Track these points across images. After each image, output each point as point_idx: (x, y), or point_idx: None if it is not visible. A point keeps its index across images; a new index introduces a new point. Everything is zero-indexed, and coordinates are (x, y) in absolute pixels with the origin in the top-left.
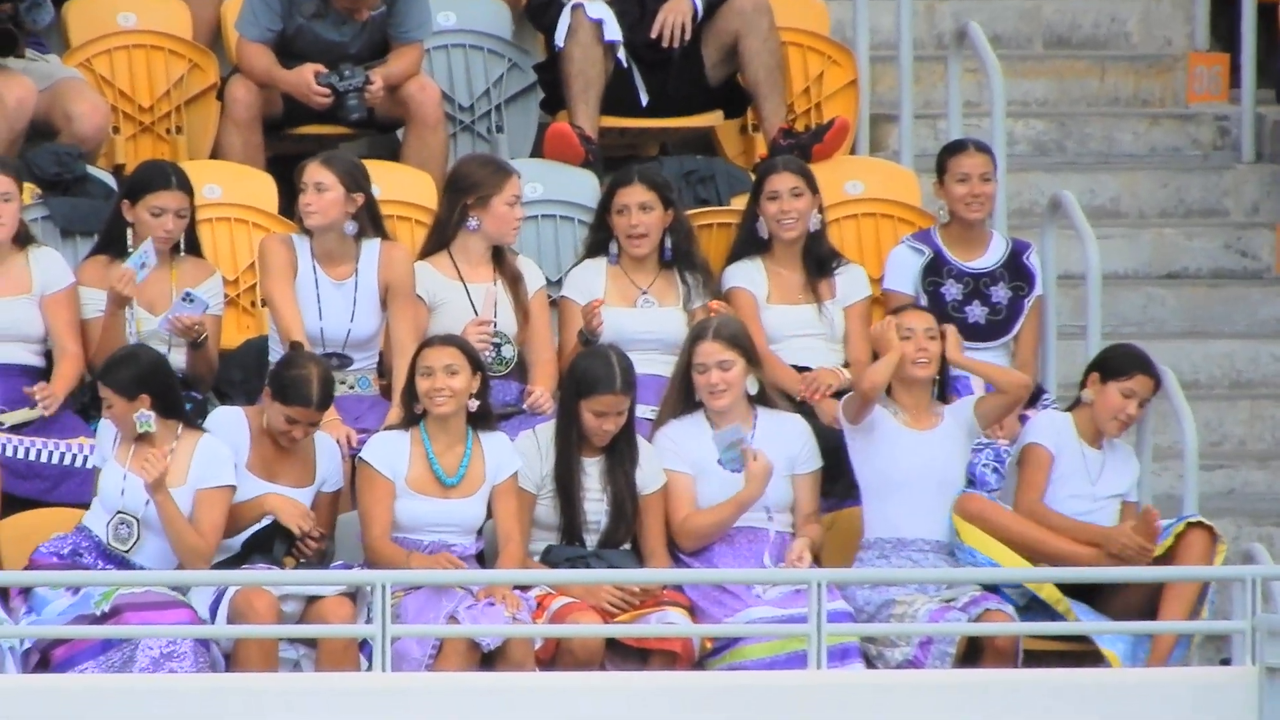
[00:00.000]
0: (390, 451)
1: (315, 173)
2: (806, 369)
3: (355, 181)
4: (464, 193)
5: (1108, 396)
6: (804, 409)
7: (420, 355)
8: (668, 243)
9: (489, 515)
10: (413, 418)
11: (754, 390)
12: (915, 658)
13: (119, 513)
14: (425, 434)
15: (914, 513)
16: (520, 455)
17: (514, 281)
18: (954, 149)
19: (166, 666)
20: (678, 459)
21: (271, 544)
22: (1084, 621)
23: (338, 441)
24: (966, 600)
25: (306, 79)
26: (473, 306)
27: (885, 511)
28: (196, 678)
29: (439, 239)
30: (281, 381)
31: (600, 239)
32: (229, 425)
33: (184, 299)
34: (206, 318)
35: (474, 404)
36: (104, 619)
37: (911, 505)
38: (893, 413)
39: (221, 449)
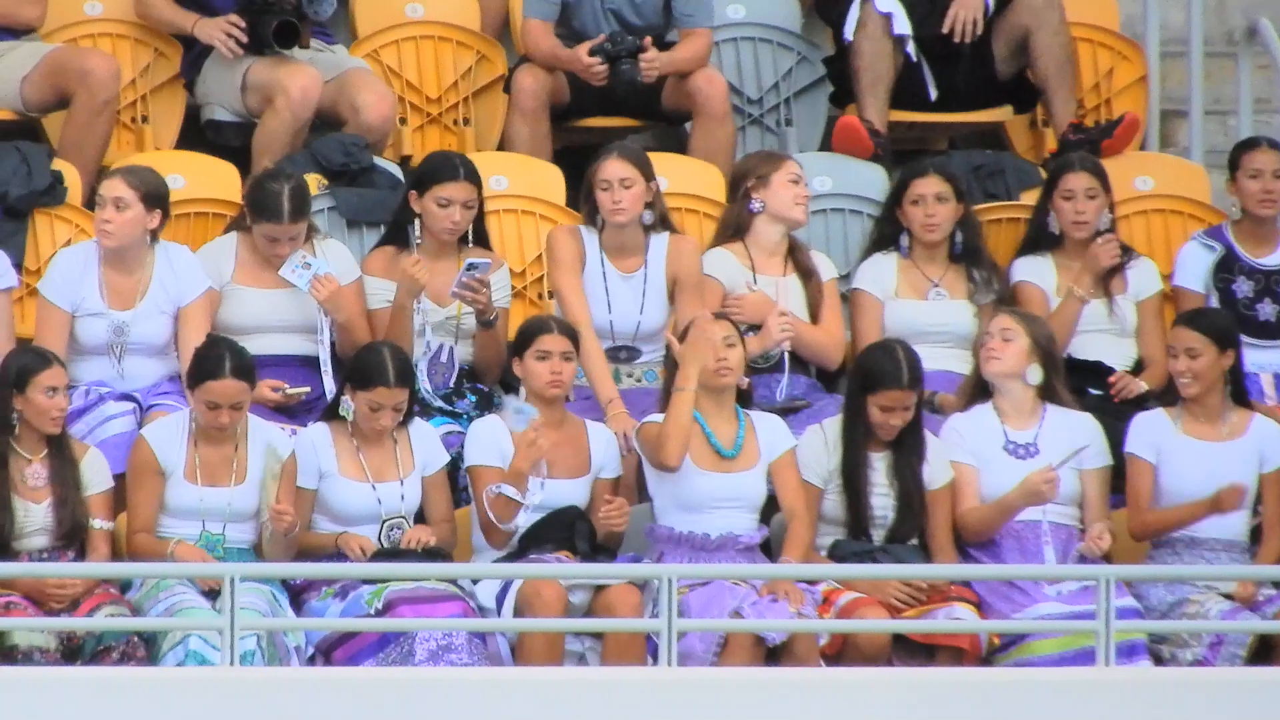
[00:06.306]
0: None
1: (619, 169)
2: (1098, 364)
3: (651, 171)
4: (743, 180)
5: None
6: (1109, 410)
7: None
8: (958, 237)
9: (770, 499)
10: None
11: (1035, 380)
12: (1205, 658)
13: (385, 520)
14: (699, 415)
15: None
16: (807, 449)
17: (807, 276)
18: (1247, 145)
19: (445, 659)
20: (962, 450)
21: (546, 535)
22: None
23: (624, 435)
24: (1263, 599)
25: (580, 54)
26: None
27: None
28: (478, 670)
29: (731, 233)
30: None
31: (888, 232)
32: (491, 434)
33: (468, 268)
34: (497, 309)
35: (745, 381)
36: (378, 617)
37: None
38: (1177, 420)
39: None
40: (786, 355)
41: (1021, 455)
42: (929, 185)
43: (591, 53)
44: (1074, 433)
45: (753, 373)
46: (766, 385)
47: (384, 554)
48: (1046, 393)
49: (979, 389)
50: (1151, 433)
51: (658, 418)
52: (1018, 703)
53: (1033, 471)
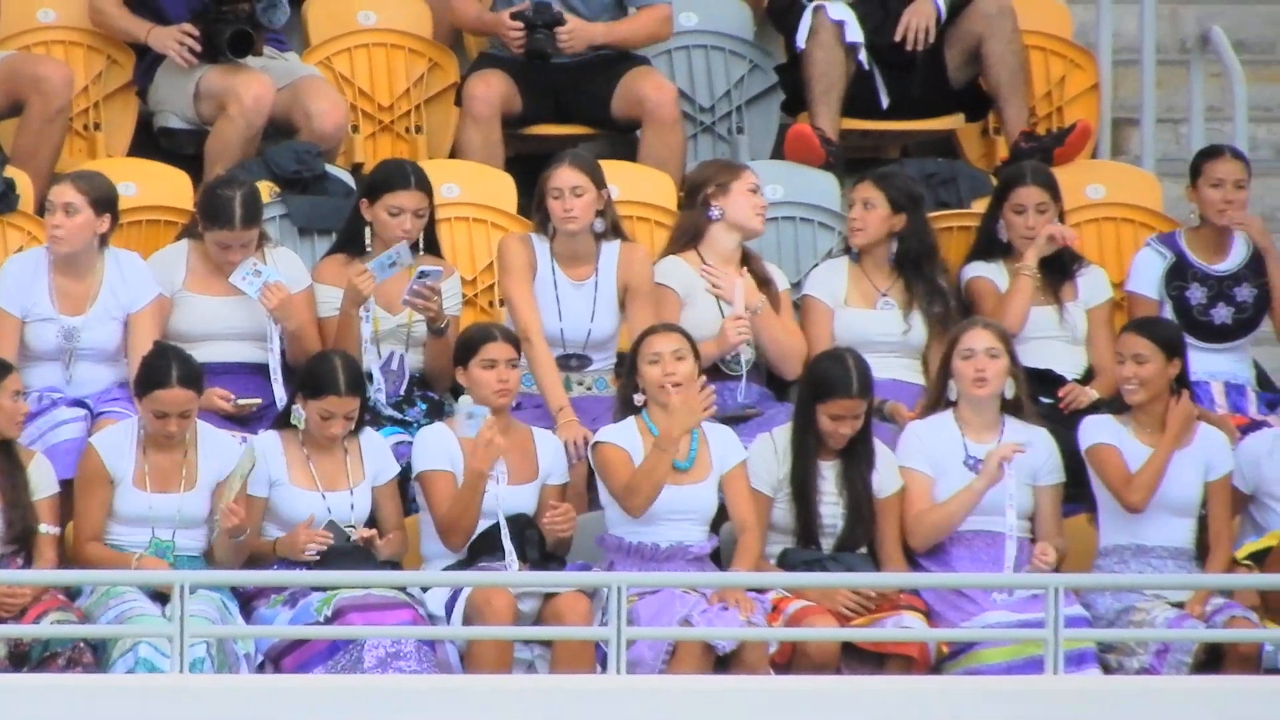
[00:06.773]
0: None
1: (570, 177)
2: (1048, 372)
3: (602, 179)
4: (701, 187)
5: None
6: (1058, 419)
7: (645, 343)
8: (893, 246)
9: (720, 508)
10: (632, 408)
11: (1009, 394)
12: (1151, 665)
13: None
14: (651, 425)
15: (1153, 522)
16: (757, 458)
17: (763, 284)
18: (1210, 154)
19: (393, 666)
20: (920, 457)
21: (495, 545)
22: None
23: (574, 443)
24: (1211, 610)
25: (503, 17)
26: (718, 303)
27: (1124, 519)
28: (426, 678)
29: (687, 240)
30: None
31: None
32: (439, 440)
33: (419, 276)
34: (448, 316)
35: None
36: (327, 624)
37: (1149, 516)
38: (1125, 425)
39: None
40: (744, 363)
41: (980, 470)
42: (857, 191)
43: (513, 18)
44: (1031, 448)
45: (720, 377)
46: (718, 393)
47: (332, 553)
48: (1009, 404)
49: (941, 395)
50: (1105, 428)
51: (616, 436)
52: (967, 711)
53: (988, 455)
